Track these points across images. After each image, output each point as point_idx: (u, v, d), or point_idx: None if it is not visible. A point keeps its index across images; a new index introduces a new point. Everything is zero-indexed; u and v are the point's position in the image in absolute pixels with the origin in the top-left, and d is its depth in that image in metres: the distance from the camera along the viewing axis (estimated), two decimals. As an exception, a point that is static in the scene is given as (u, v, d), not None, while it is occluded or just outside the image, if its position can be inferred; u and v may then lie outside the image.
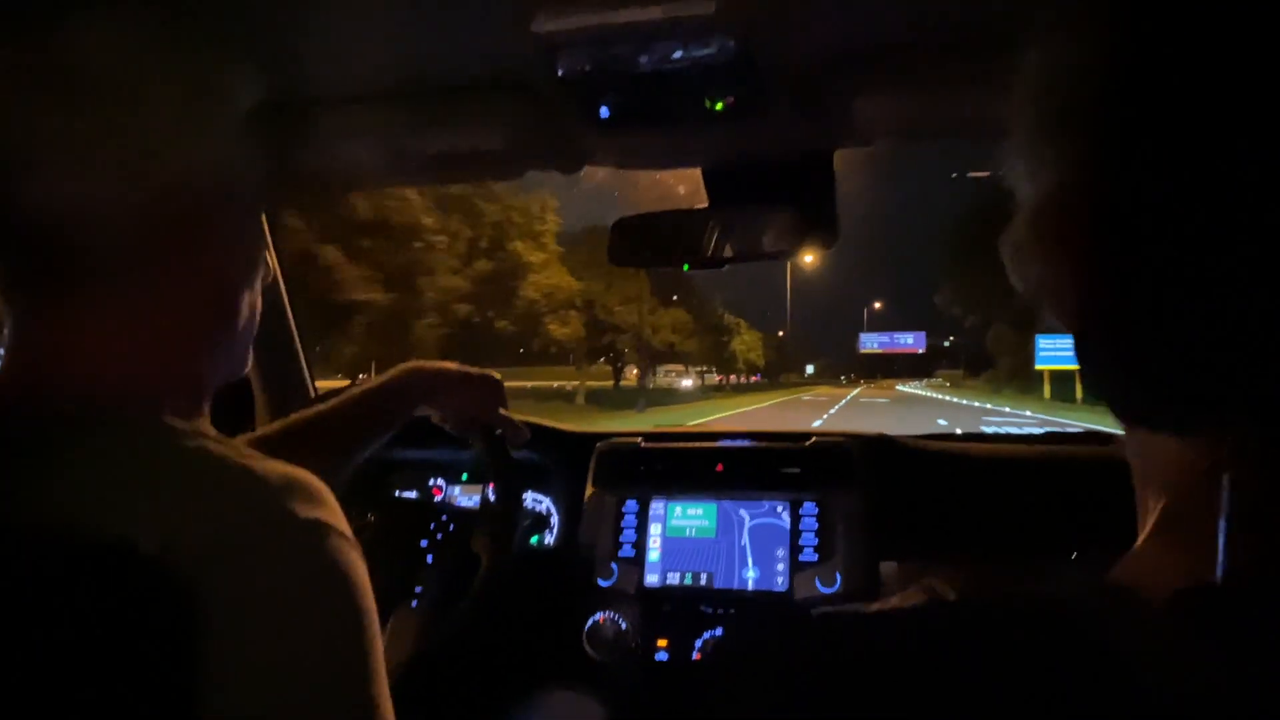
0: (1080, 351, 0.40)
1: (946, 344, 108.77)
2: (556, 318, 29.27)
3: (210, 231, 0.68)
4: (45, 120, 0.59)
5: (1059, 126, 0.39)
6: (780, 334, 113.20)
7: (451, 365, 1.17)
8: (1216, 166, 0.33)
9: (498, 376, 1.20)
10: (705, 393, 53.22)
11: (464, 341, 25.51)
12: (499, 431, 1.20)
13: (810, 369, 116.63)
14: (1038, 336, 32.65)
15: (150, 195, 0.63)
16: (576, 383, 36.15)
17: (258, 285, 0.76)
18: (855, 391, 67.86)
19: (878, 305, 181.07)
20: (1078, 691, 0.34)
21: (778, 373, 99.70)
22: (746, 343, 74.02)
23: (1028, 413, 27.57)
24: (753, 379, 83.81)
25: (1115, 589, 0.39)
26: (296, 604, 0.56)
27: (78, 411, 0.60)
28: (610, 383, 45.85)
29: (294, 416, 1.08)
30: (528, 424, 1.79)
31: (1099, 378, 0.40)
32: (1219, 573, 0.34)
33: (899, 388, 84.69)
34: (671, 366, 62.85)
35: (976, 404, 37.53)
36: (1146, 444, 0.41)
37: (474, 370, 1.18)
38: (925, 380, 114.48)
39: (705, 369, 69.11)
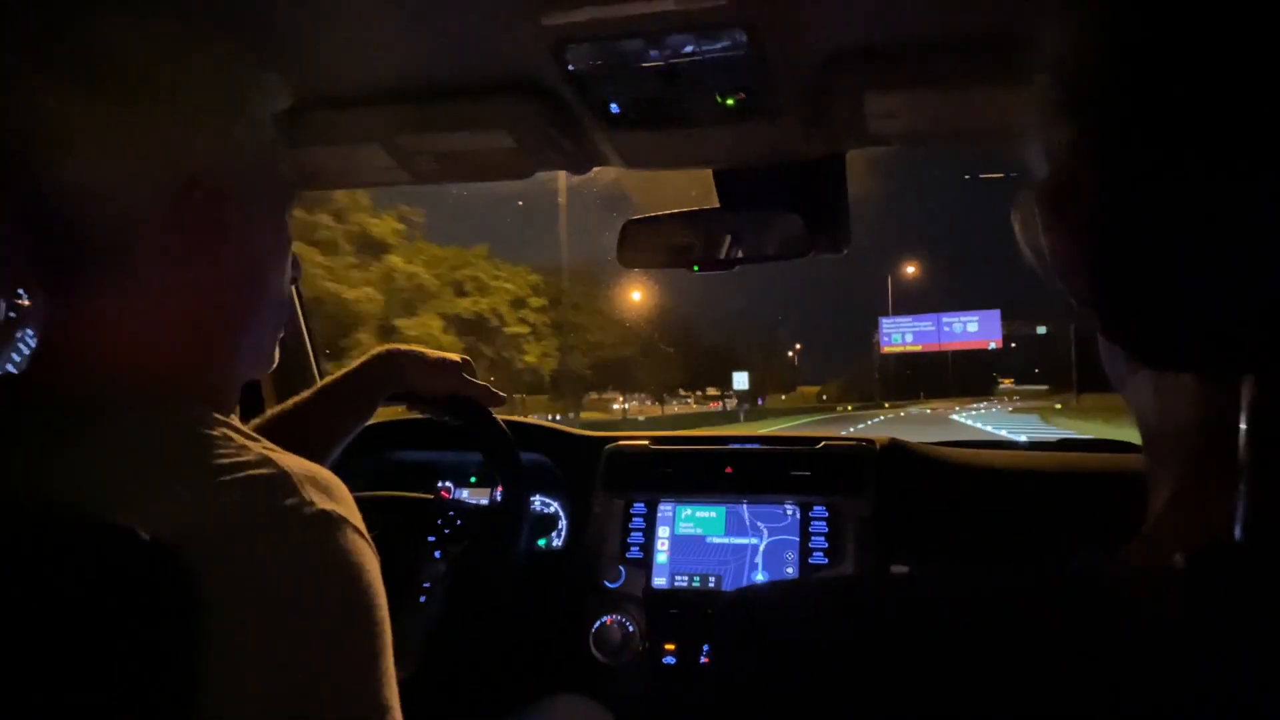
0: (1092, 312, 0.40)
1: (1040, 331, 59.09)
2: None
3: (238, 221, 0.69)
4: (77, 107, 0.60)
5: (1069, 106, 0.40)
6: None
7: (421, 348, 1.20)
8: (1222, 135, 0.33)
9: (466, 357, 1.23)
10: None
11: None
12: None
13: (741, 381, 54.99)
14: None
15: (179, 183, 0.64)
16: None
17: (285, 279, 0.77)
18: None
19: (910, 270, 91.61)
20: (1099, 659, 0.34)
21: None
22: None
23: None
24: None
25: (1131, 562, 0.39)
26: (307, 595, 0.55)
27: (103, 397, 0.61)
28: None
29: (273, 410, 1.10)
30: (540, 427, 1.80)
31: (1115, 328, 0.39)
32: (1238, 530, 0.34)
33: (957, 417, 42.98)
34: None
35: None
36: (1164, 402, 0.41)
37: (443, 352, 1.22)
38: (991, 400, 69.62)
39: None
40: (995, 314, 47.71)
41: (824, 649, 0.40)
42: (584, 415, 35.84)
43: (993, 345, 47.95)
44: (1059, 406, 46.68)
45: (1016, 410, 50.65)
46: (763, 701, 0.40)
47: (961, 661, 0.36)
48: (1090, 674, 0.34)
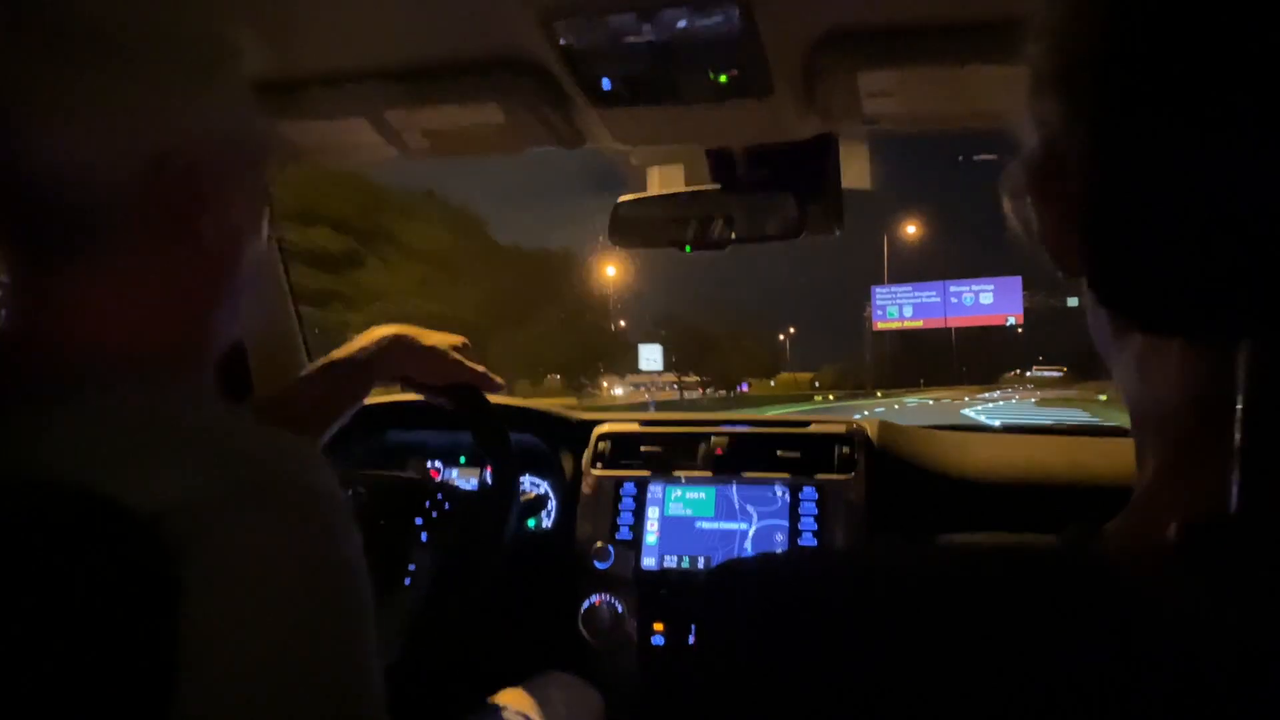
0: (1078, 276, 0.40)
1: (1071, 303, 35.90)
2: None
3: (216, 193, 0.67)
4: (48, 80, 0.58)
5: (1059, 78, 0.40)
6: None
7: (418, 330, 1.18)
8: (1212, 100, 0.33)
9: (465, 340, 1.21)
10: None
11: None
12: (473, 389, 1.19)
13: (653, 359, 45.25)
14: None
15: (154, 156, 0.62)
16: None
17: (261, 242, 0.76)
18: None
19: (911, 230, 75.54)
20: (1082, 627, 0.35)
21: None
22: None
23: None
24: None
25: (1116, 535, 0.39)
26: (289, 571, 0.55)
27: (85, 372, 0.60)
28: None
29: (268, 389, 1.09)
30: (531, 409, 1.79)
31: (1107, 291, 0.39)
32: (1234, 500, 0.33)
33: (970, 411, 29.91)
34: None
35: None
36: (1150, 375, 0.41)
37: (438, 332, 1.19)
38: (1004, 387, 59.55)
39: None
40: (1015, 282, 35.02)
41: (809, 616, 0.40)
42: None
43: (1011, 320, 36.03)
44: (1104, 397, 35.14)
45: (1045, 401, 40.75)
46: (749, 669, 0.40)
47: (945, 629, 0.37)
48: (1073, 641, 0.35)
